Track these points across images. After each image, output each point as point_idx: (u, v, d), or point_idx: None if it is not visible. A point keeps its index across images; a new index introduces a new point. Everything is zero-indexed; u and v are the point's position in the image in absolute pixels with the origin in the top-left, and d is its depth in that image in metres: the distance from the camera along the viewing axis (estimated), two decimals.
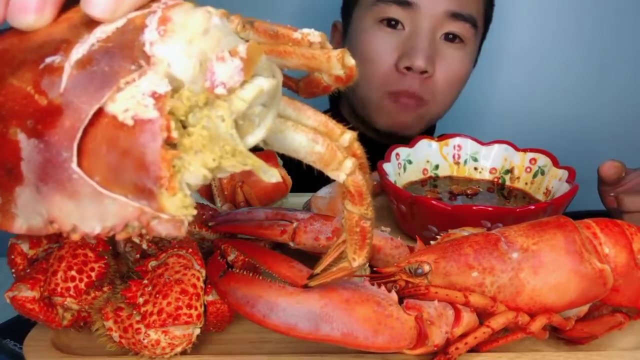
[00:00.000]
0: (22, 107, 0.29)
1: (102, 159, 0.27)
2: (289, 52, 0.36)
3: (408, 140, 0.85)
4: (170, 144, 0.28)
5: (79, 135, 0.27)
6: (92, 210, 0.28)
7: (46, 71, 0.29)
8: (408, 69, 0.99)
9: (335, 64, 0.37)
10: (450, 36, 1.01)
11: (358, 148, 0.40)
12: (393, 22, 1.00)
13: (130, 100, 0.27)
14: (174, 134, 0.27)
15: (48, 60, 0.29)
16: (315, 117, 0.37)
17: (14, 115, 0.29)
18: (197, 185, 0.29)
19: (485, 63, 1.17)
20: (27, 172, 0.28)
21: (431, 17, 0.98)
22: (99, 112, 0.28)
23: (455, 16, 0.99)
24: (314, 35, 0.37)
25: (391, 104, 1.03)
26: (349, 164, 0.37)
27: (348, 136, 0.39)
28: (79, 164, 0.27)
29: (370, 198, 0.40)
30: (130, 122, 0.27)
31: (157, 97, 0.27)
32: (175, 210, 0.28)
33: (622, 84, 1.38)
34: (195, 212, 0.29)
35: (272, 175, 0.32)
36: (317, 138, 0.36)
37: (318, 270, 0.46)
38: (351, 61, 0.38)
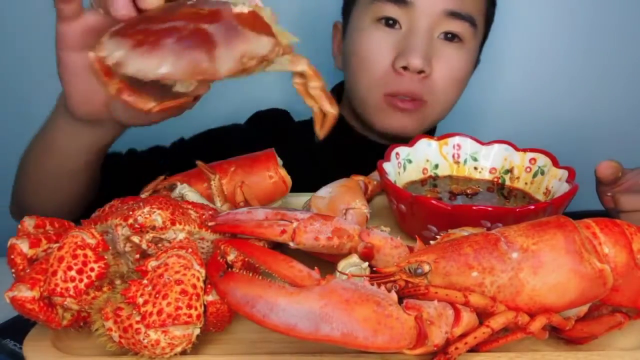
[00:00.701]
0: (196, 16, 0.55)
1: (248, 27, 0.55)
2: None
3: (409, 141, 0.85)
4: None
5: (234, 17, 0.56)
6: (258, 45, 0.55)
7: (196, 3, 0.57)
8: (405, 68, 0.98)
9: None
10: (449, 35, 1.00)
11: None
12: (391, 22, 0.99)
13: (241, 7, 0.56)
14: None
15: (188, 2, 0.57)
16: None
17: (195, 20, 0.54)
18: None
19: (485, 63, 1.17)
20: (219, 40, 0.54)
21: (428, 16, 0.97)
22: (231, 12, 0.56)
23: (454, 15, 0.98)
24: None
25: (389, 107, 1.02)
26: (304, 59, 0.60)
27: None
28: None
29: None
30: (246, 12, 0.56)
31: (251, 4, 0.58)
32: (286, 44, 0.58)
33: (622, 84, 1.38)
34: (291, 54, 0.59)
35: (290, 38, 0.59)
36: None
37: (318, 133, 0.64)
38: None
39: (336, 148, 1.04)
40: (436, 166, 0.85)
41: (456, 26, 0.99)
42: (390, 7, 0.98)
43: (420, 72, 0.98)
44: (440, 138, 0.85)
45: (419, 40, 0.97)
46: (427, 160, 0.84)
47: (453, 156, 0.85)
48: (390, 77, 1.00)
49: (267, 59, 0.57)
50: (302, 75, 0.61)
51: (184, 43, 0.53)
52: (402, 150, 0.82)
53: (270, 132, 1.12)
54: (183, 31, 0.53)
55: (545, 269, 0.50)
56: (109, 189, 0.85)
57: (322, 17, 1.24)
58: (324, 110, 0.62)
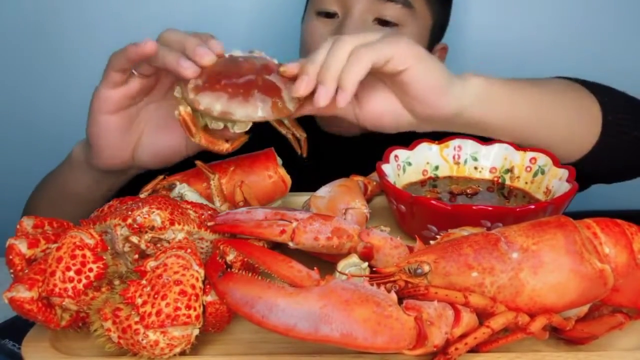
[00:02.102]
0: (256, 69, 0.65)
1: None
2: None
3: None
4: None
5: (278, 68, 0.67)
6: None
7: (247, 58, 0.68)
8: None
9: None
10: (385, 20, 1.01)
11: None
12: (330, 14, 1.03)
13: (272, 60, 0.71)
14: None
15: (239, 58, 0.68)
16: None
17: (257, 73, 0.65)
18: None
19: (485, 61, 1.17)
20: (280, 86, 0.65)
21: (358, 2, 1.00)
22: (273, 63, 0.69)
23: None
24: None
25: None
26: None
27: None
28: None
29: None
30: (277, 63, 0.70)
31: None
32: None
33: (621, 83, 1.38)
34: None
35: None
36: None
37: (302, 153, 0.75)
38: None
39: (333, 148, 1.04)
40: (436, 168, 0.85)
41: (389, 10, 1.00)
42: None
43: None
44: (441, 142, 0.85)
45: (350, 25, 0.99)
46: (428, 163, 0.84)
47: (453, 157, 0.85)
48: None
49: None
50: None
51: (263, 91, 0.63)
52: (401, 153, 0.82)
53: (258, 135, 1.13)
54: (258, 82, 0.64)
55: (546, 269, 0.50)
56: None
57: (284, 13, 1.28)
58: (296, 136, 0.73)
